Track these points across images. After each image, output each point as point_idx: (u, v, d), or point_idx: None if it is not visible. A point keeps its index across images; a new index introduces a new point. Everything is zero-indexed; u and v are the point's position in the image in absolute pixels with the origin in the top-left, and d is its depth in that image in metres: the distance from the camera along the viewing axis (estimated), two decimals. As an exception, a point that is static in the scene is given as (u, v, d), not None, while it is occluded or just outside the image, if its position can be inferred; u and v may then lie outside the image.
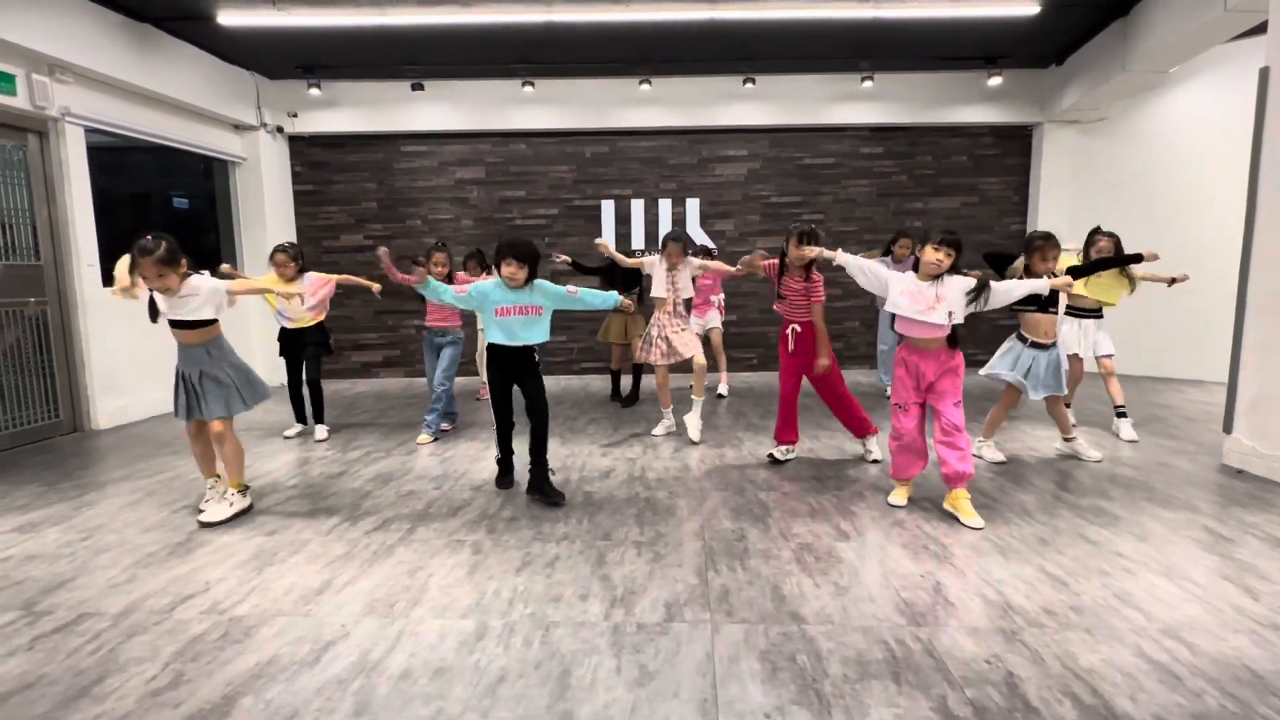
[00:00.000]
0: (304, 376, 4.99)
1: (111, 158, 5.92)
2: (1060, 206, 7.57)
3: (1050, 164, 7.60)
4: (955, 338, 3.17)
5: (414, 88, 7.11)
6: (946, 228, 3.18)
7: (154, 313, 3.16)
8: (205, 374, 3.19)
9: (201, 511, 3.27)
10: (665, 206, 7.85)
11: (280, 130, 7.51)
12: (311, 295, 4.70)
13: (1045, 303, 3.82)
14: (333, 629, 2.21)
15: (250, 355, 7.08)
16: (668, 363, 4.70)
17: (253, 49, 6.55)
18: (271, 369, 7.34)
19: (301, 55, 6.73)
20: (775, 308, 4.02)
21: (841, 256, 3.37)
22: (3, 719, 1.81)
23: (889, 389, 6.20)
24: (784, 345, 3.98)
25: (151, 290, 3.10)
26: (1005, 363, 3.94)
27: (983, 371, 4.04)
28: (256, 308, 7.19)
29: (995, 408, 4.05)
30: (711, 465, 4.07)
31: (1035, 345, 3.88)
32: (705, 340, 6.15)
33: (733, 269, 4.58)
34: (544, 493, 3.47)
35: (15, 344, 4.91)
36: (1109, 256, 4.24)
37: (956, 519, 3.09)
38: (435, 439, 4.81)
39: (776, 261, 3.96)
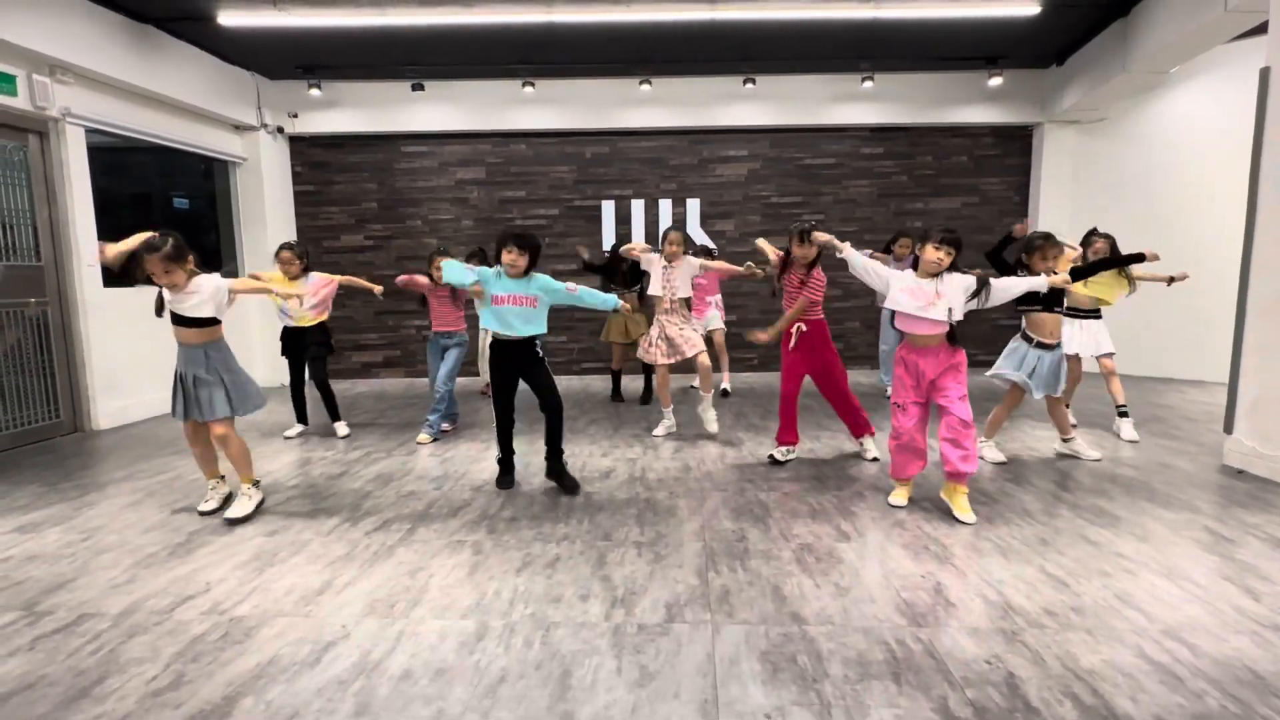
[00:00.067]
0: (307, 377, 5.02)
1: (112, 158, 5.92)
2: (1060, 207, 7.57)
3: (1051, 164, 7.60)
4: (954, 335, 3.17)
5: (414, 88, 7.12)
6: (946, 226, 3.19)
7: (160, 306, 3.17)
8: (200, 376, 3.19)
9: (219, 511, 3.30)
10: (665, 207, 7.85)
11: (280, 130, 7.51)
12: (313, 295, 4.70)
13: (1051, 302, 3.82)
14: (333, 629, 2.21)
15: (250, 355, 7.13)
16: (669, 362, 4.70)
17: (253, 49, 6.56)
18: (273, 369, 7.37)
19: (302, 55, 6.73)
20: (784, 306, 4.02)
21: (848, 251, 3.37)
22: (3, 719, 1.81)
23: (889, 389, 6.21)
24: (786, 344, 3.98)
25: (160, 287, 3.12)
26: (1010, 363, 3.94)
27: (989, 373, 4.04)
28: (257, 308, 7.20)
29: (998, 407, 4.04)
30: (712, 466, 4.06)
31: (1040, 345, 3.88)
32: (708, 341, 6.15)
33: (738, 268, 4.60)
34: (561, 481, 3.61)
35: (16, 344, 4.91)
36: (1109, 257, 4.24)
37: (954, 520, 3.08)
38: (435, 439, 4.81)
39: (782, 254, 3.98)
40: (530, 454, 4.36)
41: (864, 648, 2.06)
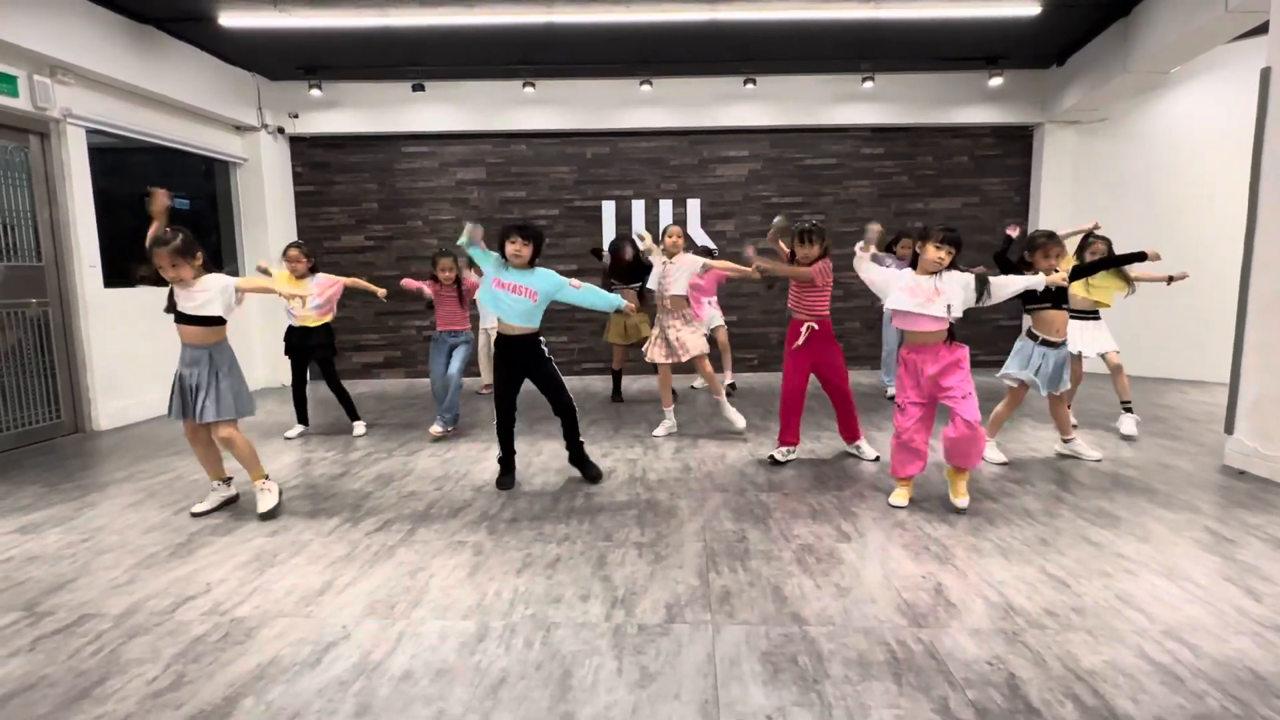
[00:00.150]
0: (309, 378, 5.06)
1: (113, 159, 5.92)
2: (1061, 207, 7.57)
3: (1051, 164, 7.60)
4: (952, 333, 3.19)
5: (415, 88, 7.12)
6: (946, 225, 3.20)
7: (171, 303, 3.18)
8: (201, 377, 3.19)
9: (215, 512, 3.31)
10: (666, 207, 7.85)
11: (281, 131, 7.51)
12: (318, 295, 4.71)
13: (1060, 299, 3.82)
14: (334, 630, 2.21)
15: (250, 355, 7.13)
16: (668, 362, 4.70)
17: (254, 50, 6.56)
18: (273, 369, 7.38)
19: (302, 56, 6.73)
20: (790, 304, 4.02)
21: (863, 260, 3.36)
22: (4, 719, 1.81)
23: (890, 389, 6.22)
24: (791, 343, 3.97)
25: (170, 282, 3.14)
26: (1018, 363, 3.94)
27: (999, 374, 4.05)
28: (256, 308, 7.20)
29: (999, 406, 4.04)
30: (712, 466, 4.06)
31: (1046, 343, 3.88)
32: (711, 341, 6.16)
33: (744, 268, 4.60)
34: (585, 470, 3.77)
35: (17, 345, 4.91)
36: (1109, 256, 4.24)
37: (955, 520, 3.09)
38: (447, 431, 4.89)
39: (788, 252, 4.00)
40: (530, 454, 4.36)
41: (865, 648, 2.06)
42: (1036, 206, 7.72)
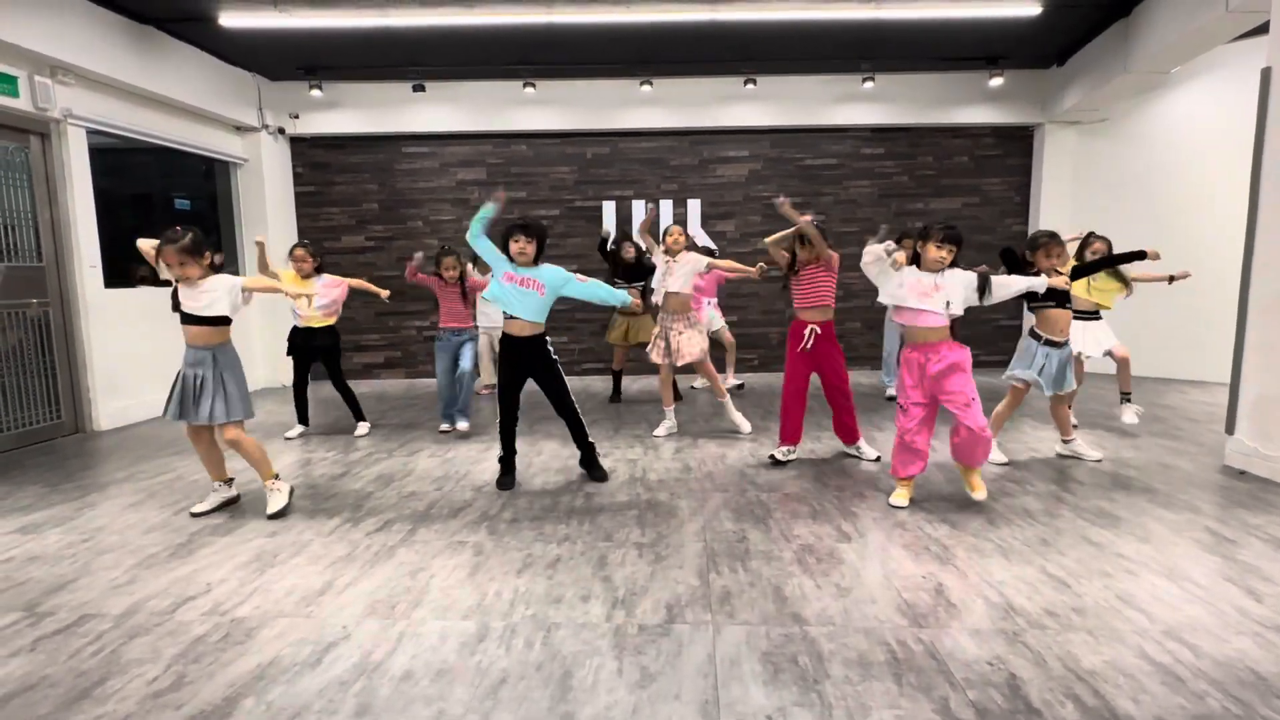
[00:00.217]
0: (310, 379, 5.08)
1: (113, 159, 5.93)
2: (1061, 207, 7.56)
3: (1051, 164, 7.59)
4: (954, 333, 3.19)
5: (415, 89, 7.12)
6: (946, 224, 3.20)
7: (176, 302, 3.18)
8: (204, 378, 3.19)
9: (215, 512, 3.30)
10: (667, 207, 7.85)
11: (281, 131, 7.52)
12: (323, 296, 4.72)
13: (1062, 299, 3.83)
14: (334, 630, 2.21)
15: (250, 355, 7.13)
16: (667, 362, 4.71)
17: (254, 50, 6.56)
18: (274, 369, 7.38)
19: (303, 56, 6.74)
20: (795, 304, 4.01)
21: (875, 253, 3.35)
22: (4, 720, 1.81)
23: (889, 389, 6.22)
24: (796, 344, 3.97)
25: (176, 280, 3.15)
26: (1022, 363, 3.94)
27: (1004, 375, 4.05)
28: (257, 308, 7.20)
29: (1000, 406, 4.03)
30: (713, 466, 4.06)
31: (1050, 343, 3.88)
32: (716, 341, 6.16)
33: (749, 269, 4.62)
34: (591, 470, 3.83)
35: (17, 345, 4.91)
36: (1108, 256, 4.25)
37: (956, 520, 3.09)
38: (467, 425, 5.01)
39: (789, 258, 4.00)
40: (531, 454, 4.36)
41: (865, 648, 2.06)
42: (1037, 207, 7.71)
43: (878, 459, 4.10)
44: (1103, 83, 6.42)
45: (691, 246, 4.88)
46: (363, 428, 5.09)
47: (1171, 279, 4.55)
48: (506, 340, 3.63)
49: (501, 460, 3.76)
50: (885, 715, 1.75)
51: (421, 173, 7.85)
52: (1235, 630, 2.14)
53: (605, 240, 6.16)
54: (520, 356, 3.61)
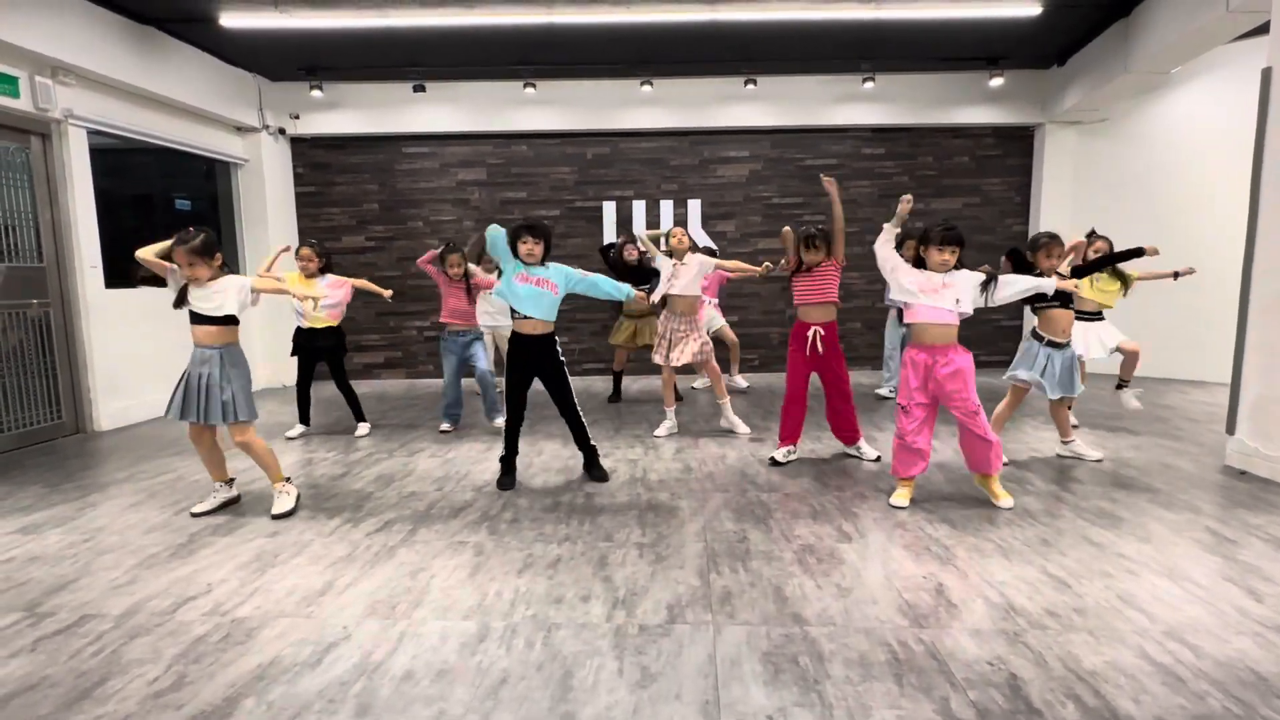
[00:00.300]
0: (312, 380, 5.09)
1: (114, 159, 5.93)
2: (1062, 207, 7.56)
3: (1052, 164, 7.59)
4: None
5: (416, 89, 7.12)
6: (946, 225, 3.19)
7: (180, 299, 3.17)
8: (211, 377, 3.19)
9: (215, 513, 3.31)
10: (667, 208, 7.86)
11: (282, 132, 7.52)
12: (328, 297, 4.73)
13: (1066, 298, 3.83)
14: (335, 630, 2.21)
15: (251, 356, 7.08)
16: (670, 364, 4.73)
17: (255, 51, 6.57)
18: (274, 370, 7.38)
19: (303, 57, 6.74)
20: (798, 301, 4.00)
21: (887, 237, 3.34)
22: (5, 720, 1.81)
23: (880, 389, 6.23)
24: (798, 346, 3.97)
25: (185, 280, 3.15)
26: (1024, 364, 3.93)
27: (1005, 376, 4.05)
28: (260, 309, 7.19)
29: (1000, 406, 4.03)
30: (713, 466, 4.06)
31: (1052, 344, 3.88)
32: (719, 342, 6.17)
33: (754, 268, 4.63)
34: (591, 472, 3.84)
35: (18, 345, 4.91)
36: (1108, 254, 4.25)
37: (956, 520, 3.09)
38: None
39: (795, 259, 3.98)
40: (531, 454, 4.36)
41: (866, 649, 2.05)
42: (1037, 207, 7.71)
43: (878, 459, 4.10)
44: (1103, 83, 6.42)
45: (694, 248, 4.90)
46: (363, 428, 5.09)
47: (1176, 275, 4.55)
48: (517, 339, 3.66)
49: (502, 460, 3.76)
50: (886, 715, 1.75)
51: (422, 173, 7.85)
52: (1236, 630, 2.14)
53: (611, 245, 6.17)
54: (530, 355, 3.65)
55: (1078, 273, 4.00)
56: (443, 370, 5.09)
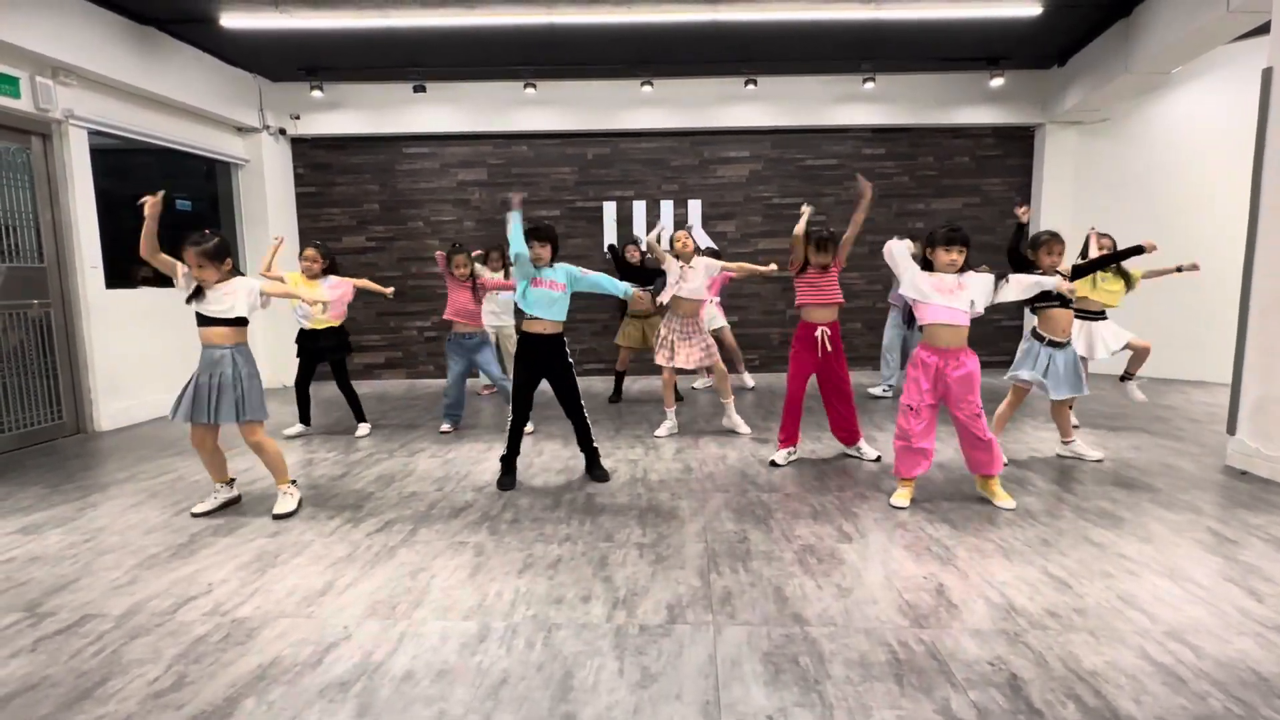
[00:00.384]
0: (311, 380, 5.09)
1: (114, 160, 5.93)
2: (1062, 207, 7.56)
3: (1052, 165, 7.59)
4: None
5: (416, 89, 7.12)
6: (950, 225, 3.20)
7: (196, 294, 3.18)
8: (224, 378, 3.20)
9: (216, 513, 3.31)
10: (667, 208, 7.86)
11: (283, 132, 7.52)
12: (331, 298, 4.74)
13: (1065, 298, 3.83)
14: (335, 631, 2.21)
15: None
16: (670, 365, 4.73)
17: (255, 51, 6.57)
18: (274, 370, 7.38)
19: (304, 57, 6.74)
20: (800, 301, 3.99)
21: (896, 250, 3.34)
22: (6, 720, 1.81)
23: (874, 388, 6.23)
24: (804, 347, 3.95)
25: (200, 283, 3.16)
26: (1026, 364, 3.94)
27: (1007, 376, 4.05)
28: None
29: (1002, 406, 4.04)
30: (714, 467, 4.06)
31: (1052, 344, 3.88)
32: (719, 342, 6.17)
33: (760, 268, 4.65)
34: (592, 472, 3.86)
35: (19, 346, 4.92)
36: (1108, 254, 4.25)
37: (957, 521, 3.09)
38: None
39: (800, 263, 3.96)
40: (532, 454, 4.36)
41: (866, 649, 2.05)
42: (1038, 207, 7.71)
43: (878, 459, 4.09)
44: (1103, 83, 6.42)
45: (697, 250, 4.91)
46: (364, 428, 5.10)
47: (1180, 269, 4.55)
48: (527, 339, 3.68)
49: (503, 459, 3.77)
50: (886, 716, 1.75)
51: (422, 173, 7.86)
52: (1237, 631, 2.14)
53: (613, 246, 6.16)
54: (539, 355, 3.68)
55: (1078, 272, 4.00)
56: (446, 371, 5.09)
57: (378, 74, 7.23)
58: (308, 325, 4.87)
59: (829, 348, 3.92)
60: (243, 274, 3.32)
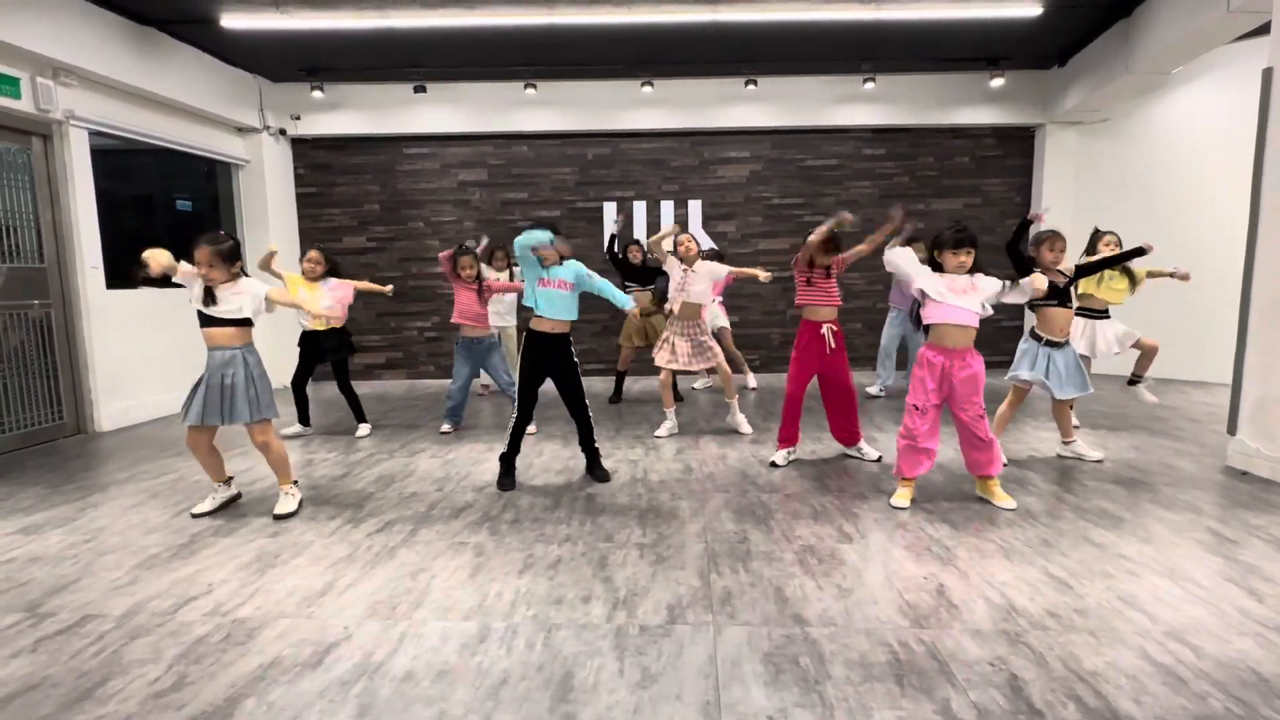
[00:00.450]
0: (308, 380, 5.09)
1: (115, 160, 5.94)
2: (1062, 207, 7.53)
3: (1052, 165, 7.59)
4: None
5: (416, 90, 7.12)
6: (956, 226, 3.20)
7: (208, 297, 3.17)
8: (236, 378, 3.21)
9: (215, 513, 3.30)
10: (667, 208, 7.86)
11: (283, 133, 7.52)
12: (332, 299, 4.74)
13: (1064, 297, 3.83)
14: (335, 631, 2.21)
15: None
16: (670, 367, 4.74)
17: (256, 52, 6.57)
18: (274, 371, 7.37)
19: (304, 58, 6.75)
20: (800, 301, 3.98)
21: (899, 257, 3.35)
22: (6, 721, 1.81)
23: (872, 386, 6.23)
24: (809, 347, 3.94)
25: (206, 282, 3.17)
26: (1025, 365, 3.94)
27: (1007, 376, 4.05)
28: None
29: (1003, 407, 4.04)
30: (714, 467, 4.06)
31: (1050, 344, 3.88)
32: (720, 342, 6.18)
33: (758, 272, 4.66)
34: (594, 472, 3.86)
35: (19, 346, 4.92)
36: (1112, 255, 4.25)
37: (957, 521, 3.09)
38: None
39: (806, 264, 3.94)
40: (532, 455, 4.36)
41: (866, 649, 2.05)
42: (1038, 207, 7.70)
43: (879, 459, 4.09)
44: (1104, 83, 6.42)
45: (700, 253, 4.93)
46: (364, 429, 5.10)
47: (1174, 273, 4.56)
48: (534, 337, 3.68)
49: (504, 458, 3.77)
50: (887, 716, 1.75)
51: (423, 174, 7.86)
52: (1237, 631, 2.14)
53: (613, 241, 6.15)
54: (546, 354, 3.68)
55: (1080, 271, 4.00)
56: (450, 372, 5.08)
57: (378, 74, 7.24)
58: (309, 326, 4.88)
59: (834, 345, 3.92)
60: (247, 275, 3.32)
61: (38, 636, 2.23)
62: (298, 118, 7.49)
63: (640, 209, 7.86)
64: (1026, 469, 3.94)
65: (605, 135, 7.74)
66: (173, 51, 6.03)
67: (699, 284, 4.70)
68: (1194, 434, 4.68)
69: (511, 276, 6.18)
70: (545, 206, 7.83)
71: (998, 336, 7.87)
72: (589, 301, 3.91)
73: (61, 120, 5.13)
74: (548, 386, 3.79)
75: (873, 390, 6.24)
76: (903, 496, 3.31)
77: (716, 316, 6.34)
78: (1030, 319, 4.05)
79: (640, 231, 7.80)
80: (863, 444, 4.15)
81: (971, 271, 3.20)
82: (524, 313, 3.75)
